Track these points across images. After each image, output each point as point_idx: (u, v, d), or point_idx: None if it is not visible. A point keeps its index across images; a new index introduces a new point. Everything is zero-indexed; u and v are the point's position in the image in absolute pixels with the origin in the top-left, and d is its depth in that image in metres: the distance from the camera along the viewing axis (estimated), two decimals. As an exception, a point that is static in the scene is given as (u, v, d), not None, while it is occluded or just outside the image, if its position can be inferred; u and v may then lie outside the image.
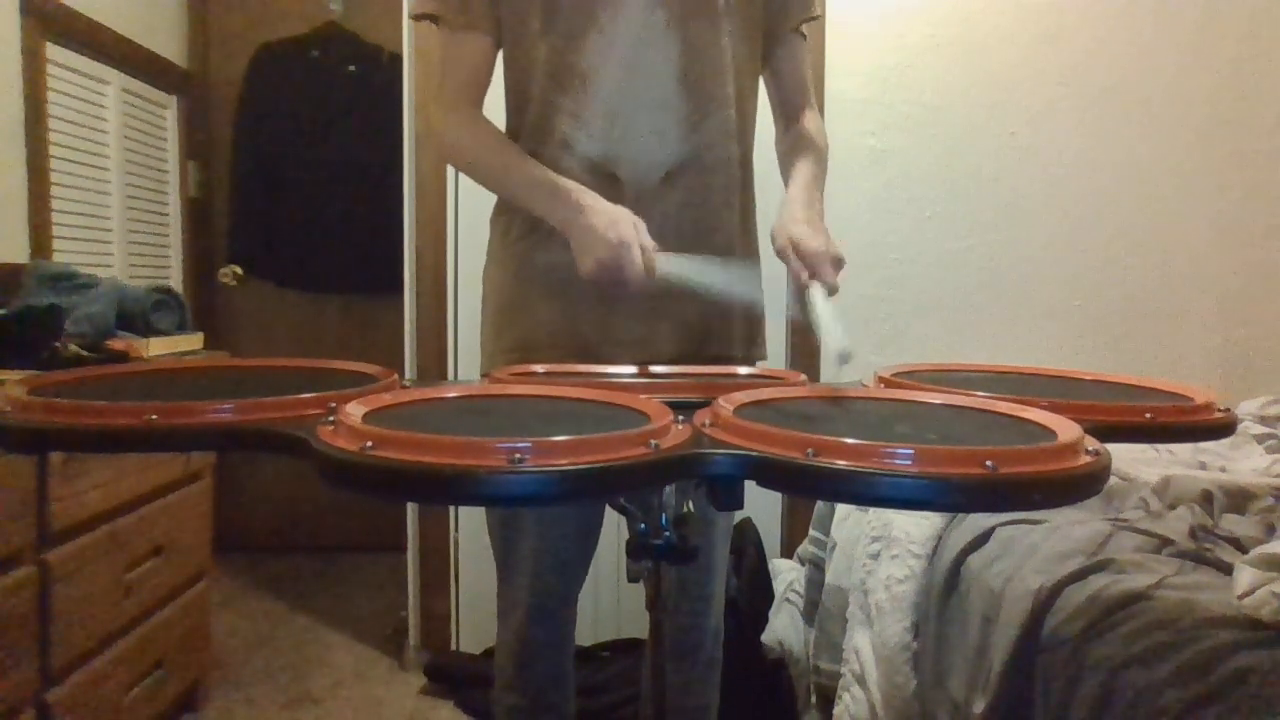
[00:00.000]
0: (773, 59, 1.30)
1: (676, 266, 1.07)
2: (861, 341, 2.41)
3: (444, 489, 0.66)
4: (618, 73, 1.16)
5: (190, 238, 3.19)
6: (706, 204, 1.21)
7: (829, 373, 2.20)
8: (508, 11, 1.19)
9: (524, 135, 1.20)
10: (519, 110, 1.22)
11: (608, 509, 1.24)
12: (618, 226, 1.04)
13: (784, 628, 1.94)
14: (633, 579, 0.91)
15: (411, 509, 2.41)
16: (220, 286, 3.29)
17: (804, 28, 1.31)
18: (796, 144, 1.29)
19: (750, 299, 1.23)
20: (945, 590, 1.47)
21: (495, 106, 1.24)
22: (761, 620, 1.98)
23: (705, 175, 1.20)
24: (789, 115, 1.32)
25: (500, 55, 1.23)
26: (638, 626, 2.31)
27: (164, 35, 3.03)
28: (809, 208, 1.16)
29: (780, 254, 1.11)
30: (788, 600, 2.00)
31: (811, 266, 1.06)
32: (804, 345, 2.37)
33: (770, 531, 2.38)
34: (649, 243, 1.04)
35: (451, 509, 2.35)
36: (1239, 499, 1.47)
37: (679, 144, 1.18)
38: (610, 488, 0.75)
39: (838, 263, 1.07)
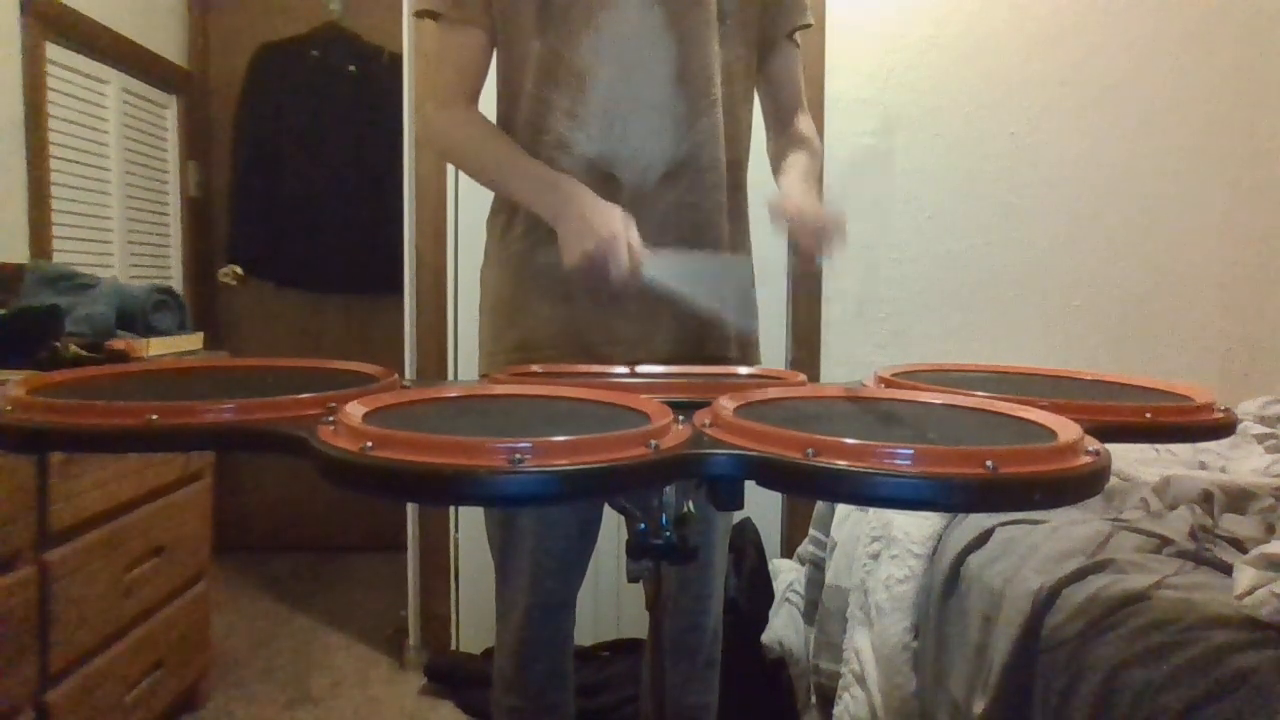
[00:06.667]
0: (767, 66, 1.31)
1: (663, 267, 1.07)
2: (862, 341, 2.42)
3: (444, 489, 0.65)
4: (616, 72, 1.15)
5: (190, 238, 3.19)
6: (702, 205, 1.21)
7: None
8: (500, 6, 1.19)
9: (516, 133, 1.20)
10: (510, 107, 1.22)
11: (607, 509, 1.24)
12: (608, 220, 1.04)
13: (784, 628, 1.94)
14: (633, 579, 0.91)
15: (411, 509, 2.41)
16: (220, 286, 3.29)
17: (798, 34, 1.31)
18: (790, 144, 1.29)
19: (741, 294, 1.23)
20: (945, 590, 1.47)
21: (487, 105, 1.24)
22: (761, 620, 1.98)
23: (701, 176, 1.20)
24: (782, 120, 1.33)
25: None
26: (638, 626, 2.31)
27: (164, 35, 3.03)
28: (806, 188, 1.17)
29: (779, 219, 1.12)
30: (788, 600, 1.99)
31: (815, 233, 1.07)
32: (804, 345, 2.38)
33: (770, 531, 2.38)
34: (636, 240, 1.05)
35: (451, 509, 2.35)
36: (1239, 499, 1.47)
37: (675, 145, 1.18)
38: (610, 488, 0.75)
39: (838, 227, 1.08)
